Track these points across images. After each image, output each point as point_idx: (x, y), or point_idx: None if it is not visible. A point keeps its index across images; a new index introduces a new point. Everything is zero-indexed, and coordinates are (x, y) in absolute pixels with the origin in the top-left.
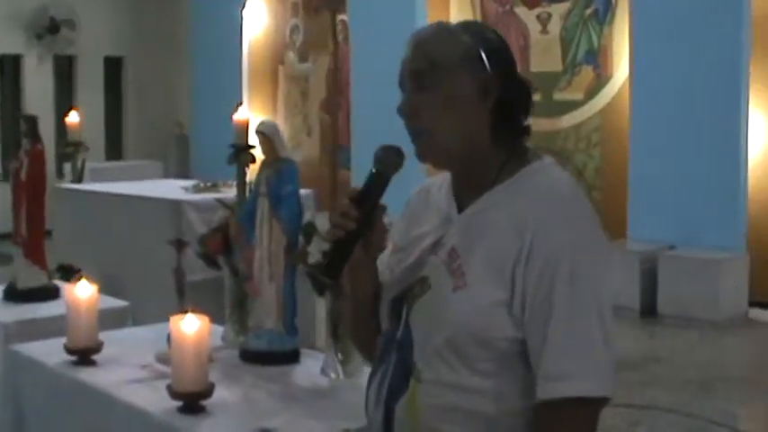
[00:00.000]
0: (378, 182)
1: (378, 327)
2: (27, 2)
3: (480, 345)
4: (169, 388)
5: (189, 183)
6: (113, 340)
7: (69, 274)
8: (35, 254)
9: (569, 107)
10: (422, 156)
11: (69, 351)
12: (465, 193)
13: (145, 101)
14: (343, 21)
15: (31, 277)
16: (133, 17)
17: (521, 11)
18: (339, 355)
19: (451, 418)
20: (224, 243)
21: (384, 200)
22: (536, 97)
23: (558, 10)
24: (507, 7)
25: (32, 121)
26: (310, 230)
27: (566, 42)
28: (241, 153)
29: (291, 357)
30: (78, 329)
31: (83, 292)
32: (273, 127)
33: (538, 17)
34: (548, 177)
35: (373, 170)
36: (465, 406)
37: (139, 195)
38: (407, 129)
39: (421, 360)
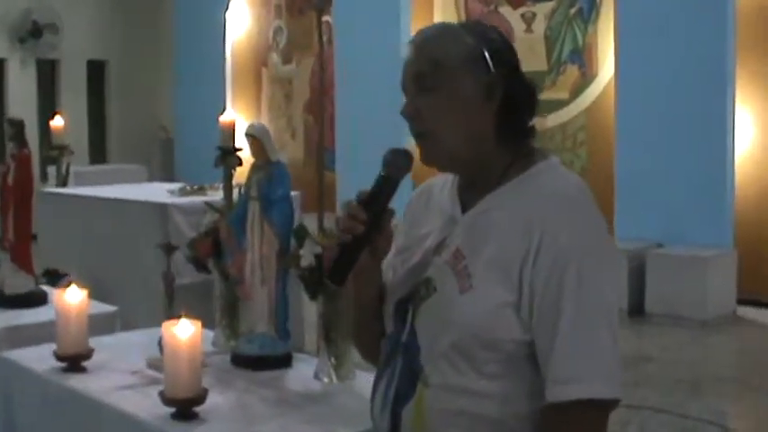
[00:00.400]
0: (386, 185)
1: (382, 329)
2: (10, 6)
3: (487, 347)
4: (162, 394)
5: (175, 186)
6: (103, 346)
7: (55, 278)
8: (22, 259)
9: (555, 106)
10: (425, 158)
11: (59, 358)
12: (469, 193)
13: (128, 104)
14: (327, 22)
15: (18, 283)
16: (116, 21)
17: (505, 10)
18: (332, 359)
19: (459, 422)
20: (214, 247)
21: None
22: None
23: (542, 9)
24: (492, 7)
25: (19, 126)
26: (302, 234)
27: (550, 41)
28: (227, 156)
29: (284, 362)
30: (68, 336)
31: (72, 297)
32: (263, 130)
33: (522, 16)
34: (554, 178)
35: (382, 174)
36: (472, 410)
37: (125, 199)
38: (411, 131)
39: (428, 364)
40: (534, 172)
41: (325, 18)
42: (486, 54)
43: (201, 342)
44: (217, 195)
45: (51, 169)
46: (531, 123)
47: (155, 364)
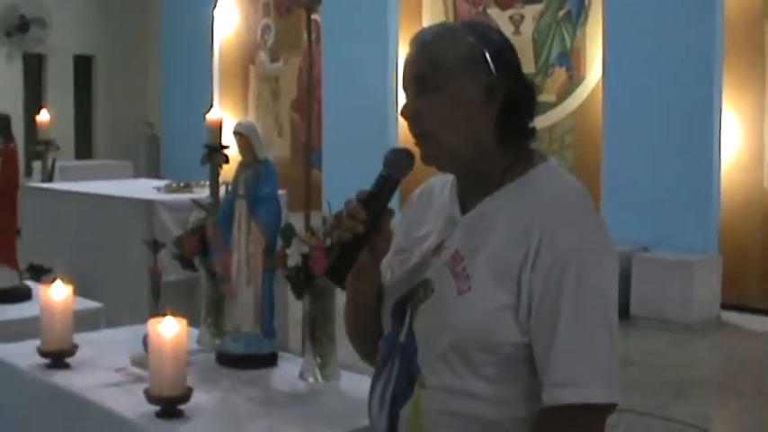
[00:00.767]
0: (386, 185)
1: (379, 329)
2: None
3: (485, 349)
4: (146, 392)
5: (161, 183)
6: (87, 342)
7: (40, 274)
8: (7, 254)
9: (542, 109)
10: (425, 158)
11: (43, 354)
12: (469, 194)
13: (115, 100)
14: (315, 21)
15: (2, 277)
16: (104, 16)
17: (493, 12)
18: (317, 358)
19: (456, 423)
20: (200, 244)
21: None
22: None
23: (530, 11)
24: (480, 8)
25: (5, 120)
26: (289, 233)
27: (538, 44)
28: (214, 153)
29: (269, 361)
30: (52, 332)
31: (58, 293)
32: (251, 127)
33: (511, 18)
34: (553, 180)
35: (383, 173)
36: (469, 412)
37: (111, 195)
38: (410, 131)
39: (425, 365)
40: (534, 174)
41: (314, 17)
42: (488, 55)
43: (187, 340)
44: (203, 192)
45: (37, 164)
46: (531, 125)
47: (139, 362)
